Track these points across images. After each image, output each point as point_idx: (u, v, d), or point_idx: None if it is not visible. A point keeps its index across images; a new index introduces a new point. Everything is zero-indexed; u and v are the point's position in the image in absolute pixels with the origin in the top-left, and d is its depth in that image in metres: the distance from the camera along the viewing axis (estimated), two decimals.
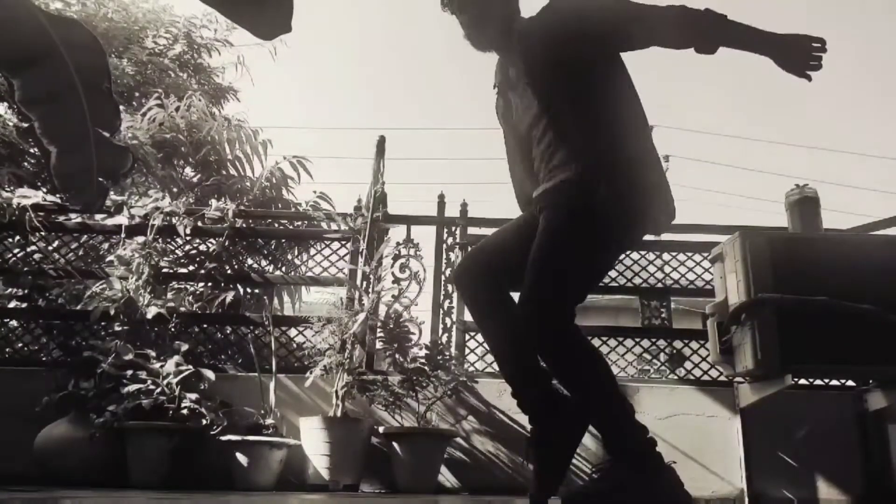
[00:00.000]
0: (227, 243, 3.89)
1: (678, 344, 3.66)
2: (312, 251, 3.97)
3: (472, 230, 3.75)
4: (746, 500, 3.06)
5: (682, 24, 1.77)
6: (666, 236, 4.19)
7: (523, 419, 3.21)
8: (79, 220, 3.88)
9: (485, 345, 3.56)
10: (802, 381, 3.32)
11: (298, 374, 3.28)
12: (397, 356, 3.26)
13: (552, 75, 1.87)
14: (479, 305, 1.98)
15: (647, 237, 4.14)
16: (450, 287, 3.64)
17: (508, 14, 2.01)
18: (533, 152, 1.94)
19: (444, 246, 3.73)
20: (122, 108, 5.65)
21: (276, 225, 4.36)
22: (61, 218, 3.87)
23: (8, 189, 4.20)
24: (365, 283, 3.44)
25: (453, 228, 3.75)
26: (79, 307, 3.67)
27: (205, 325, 3.72)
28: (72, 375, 3.08)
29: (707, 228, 3.77)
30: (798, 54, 1.73)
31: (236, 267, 4.07)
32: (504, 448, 3.20)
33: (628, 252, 3.80)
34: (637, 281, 3.82)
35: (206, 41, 7.81)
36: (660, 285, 3.78)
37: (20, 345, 3.71)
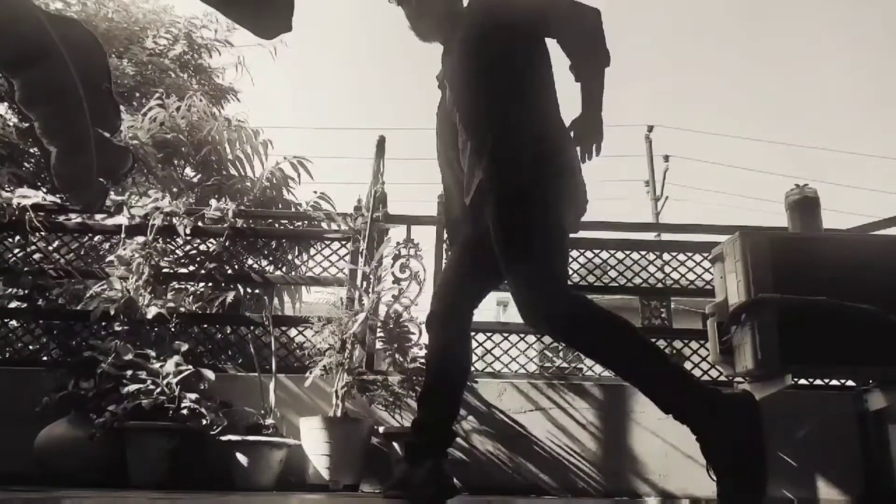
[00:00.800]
0: (227, 243, 3.89)
1: (678, 344, 3.66)
2: (312, 251, 3.97)
3: None
4: None
5: (589, 31, 1.84)
6: (666, 236, 4.19)
7: (523, 419, 3.25)
8: (79, 220, 3.87)
9: (485, 345, 3.57)
10: (802, 381, 3.32)
11: (298, 374, 3.28)
12: (397, 356, 3.26)
13: (476, 65, 1.90)
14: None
15: (649, 237, 4.18)
16: None
17: (448, 4, 2.03)
18: (459, 143, 1.97)
19: (444, 246, 3.73)
20: (122, 108, 5.66)
21: (277, 225, 4.36)
22: (61, 218, 3.87)
23: (8, 189, 4.21)
24: (365, 283, 3.44)
25: None
26: (79, 307, 3.68)
27: (205, 325, 3.72)
28: (72, 375, 3.08)
29: (707, 228, 3.77)
30: (592, 131, 1.81)
31: (236, 267, 4.07)
32: (504, 448, 3.20)
33: (628, 252, 3.81)
34: (637, 281, 3.82)
35: (207, 41, 7.82)
36: (660, 285, 3.78)
37: (20, 345, 3.71)
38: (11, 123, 5.68)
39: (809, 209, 3.00)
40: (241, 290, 4.21)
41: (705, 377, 3.47)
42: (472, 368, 3.45)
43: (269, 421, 3.02)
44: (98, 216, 3.88)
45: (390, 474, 1.88)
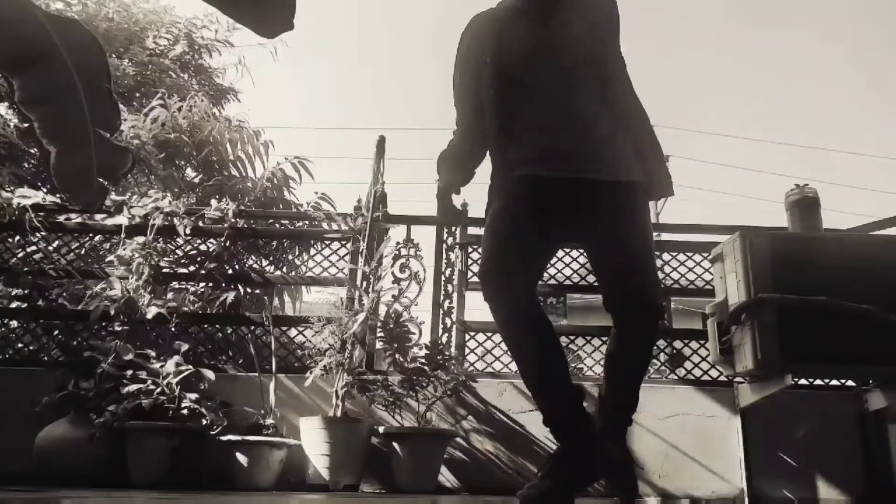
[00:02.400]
0: (227, 243, 3.89)
1: (678, 344, 3.66)
2: (312, 251, 3.98)
3: (472, 230, 3.75)
4: (746, 500, 3.06)
5: None
6: (666, 236, 4.19)
7: (523, 419, 3.24)
8: (79, 220, 3.88)
9: (485, 345, 3.56)
10: (802, 381, 3.32)
11: (298, 374, 3.28)
12: (397, 356, 3.26)
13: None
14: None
15: None
16: (450, 287, 3.64)
17: None
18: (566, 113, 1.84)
19: (444, 246, 3.73)
20: (122, 108, 5.66)
21: (277, 225, 4.36)
22: (61, 218, 3.87)
23: (8, 189, 4.21)
24: (365, 283, 3.44)
25: (453, 228, 3.75)
26: (79, 307, 3.68)
27: (205, 325, 3.72)
28: (72, 375, 3.08)
29: (707, 228, 3.77)
30: None
31: (236, 267, 4.07)
32: (504, 448, 3.20)
33: None
34: None
35: (207, 41, 7.80)
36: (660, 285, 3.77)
37: (20, 345, 3.71)
38: (12, 124, 5.67)
39: (809, 209, 3.00)
40: (241, 290, 4.20)
41: (705, 377, 3.47)
42: (472, 368, 3.45)
43: (269, 421, 3.03)
44: (98, 216, 3.87)
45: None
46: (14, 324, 3.80)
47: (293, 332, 3.71)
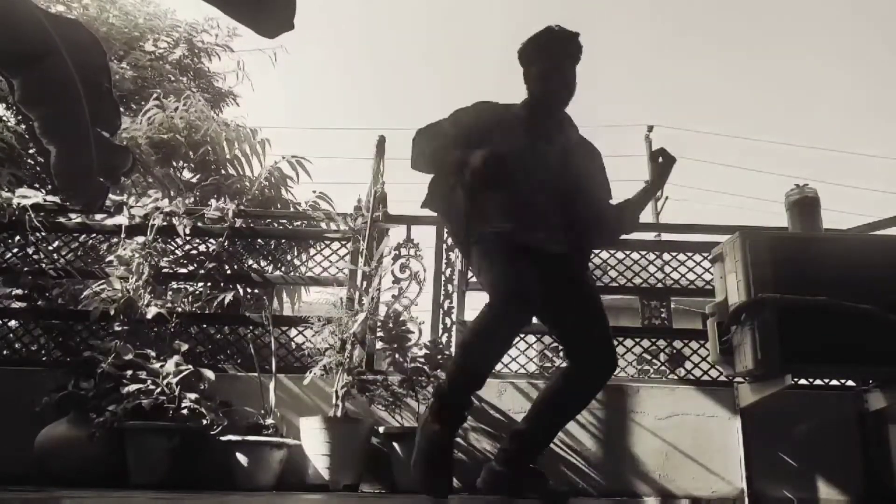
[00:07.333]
0: (226, 243, 3.89)
1: (678, 344, 3.66)
2: (312, 251, 3.98)
3: None
4: (746, 500, 3.06)
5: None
6: (666, 236, 4.19)
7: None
8: (79, 220, 3.87)
9: None
10: (802, 381, 3.32)
11: (298, 374, 3.28)
12: (397, 356, 3.26)
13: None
14: None
15: (649, 237, 4.18)
16: (450, 287, 3.64)
17: None
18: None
19: (444, 246, 3.72)
20: (121, 110, 5.64)
21: (276, 225, 4.36)
22: (61, 218, 3.87)
23: (7, 189, 4.20)
24: (365, 283, 3.44)
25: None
26: (79, 307, 3.67)
27: (204, 325, 3.72)
28: (72, 375, 3.08)
29: (707, 228, 3.77)
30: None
31: (236, 267, 4.07)
32: None
33: (628, 252, 3.81)
34: (637, 281, 3.82)
35: (207, 45, 7.79)
36: (660, 285, 3.78)
37: (20, 345, 3.71)
38: (12, 126, 5.67)
39: (809, 209, 3.00)
40: (241, 290, 4.20)
41: (705, 377, 3.47)
42: None
43: (269, 421, 3.02)
44: (98, 216, 3.87)
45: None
46: (14, 324, 3.79)
47: (293, 332, 3.71)
